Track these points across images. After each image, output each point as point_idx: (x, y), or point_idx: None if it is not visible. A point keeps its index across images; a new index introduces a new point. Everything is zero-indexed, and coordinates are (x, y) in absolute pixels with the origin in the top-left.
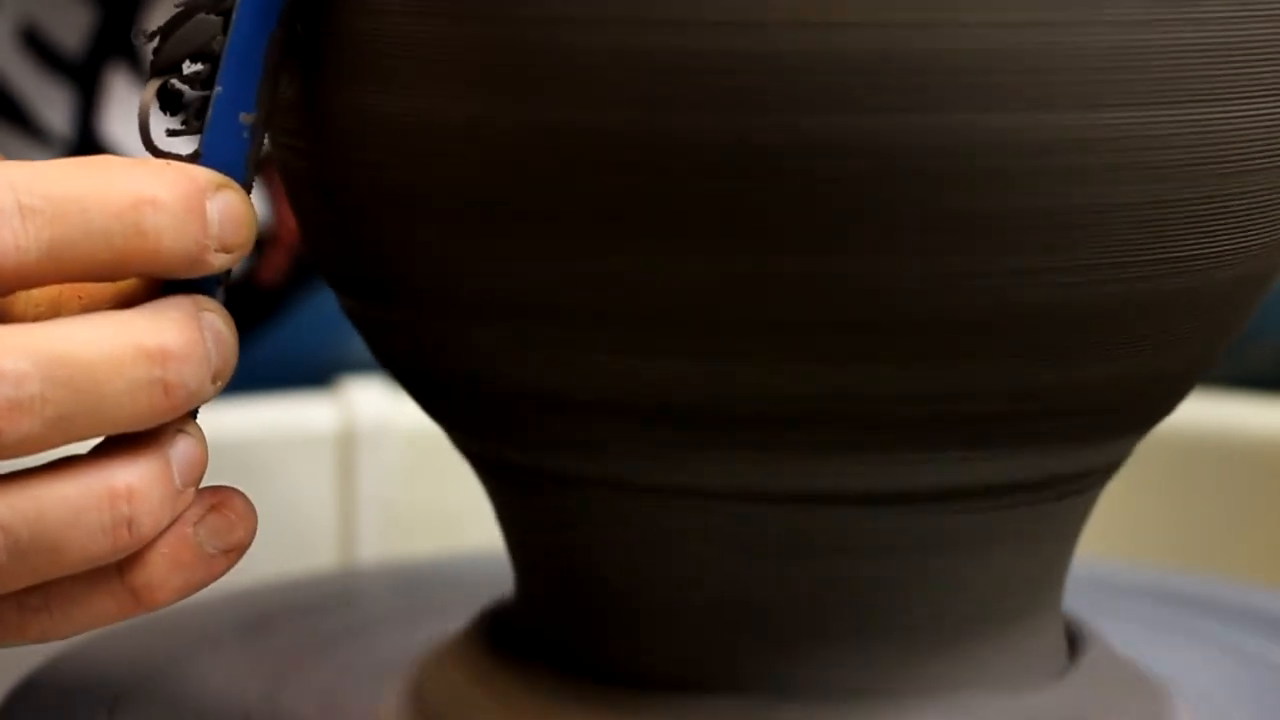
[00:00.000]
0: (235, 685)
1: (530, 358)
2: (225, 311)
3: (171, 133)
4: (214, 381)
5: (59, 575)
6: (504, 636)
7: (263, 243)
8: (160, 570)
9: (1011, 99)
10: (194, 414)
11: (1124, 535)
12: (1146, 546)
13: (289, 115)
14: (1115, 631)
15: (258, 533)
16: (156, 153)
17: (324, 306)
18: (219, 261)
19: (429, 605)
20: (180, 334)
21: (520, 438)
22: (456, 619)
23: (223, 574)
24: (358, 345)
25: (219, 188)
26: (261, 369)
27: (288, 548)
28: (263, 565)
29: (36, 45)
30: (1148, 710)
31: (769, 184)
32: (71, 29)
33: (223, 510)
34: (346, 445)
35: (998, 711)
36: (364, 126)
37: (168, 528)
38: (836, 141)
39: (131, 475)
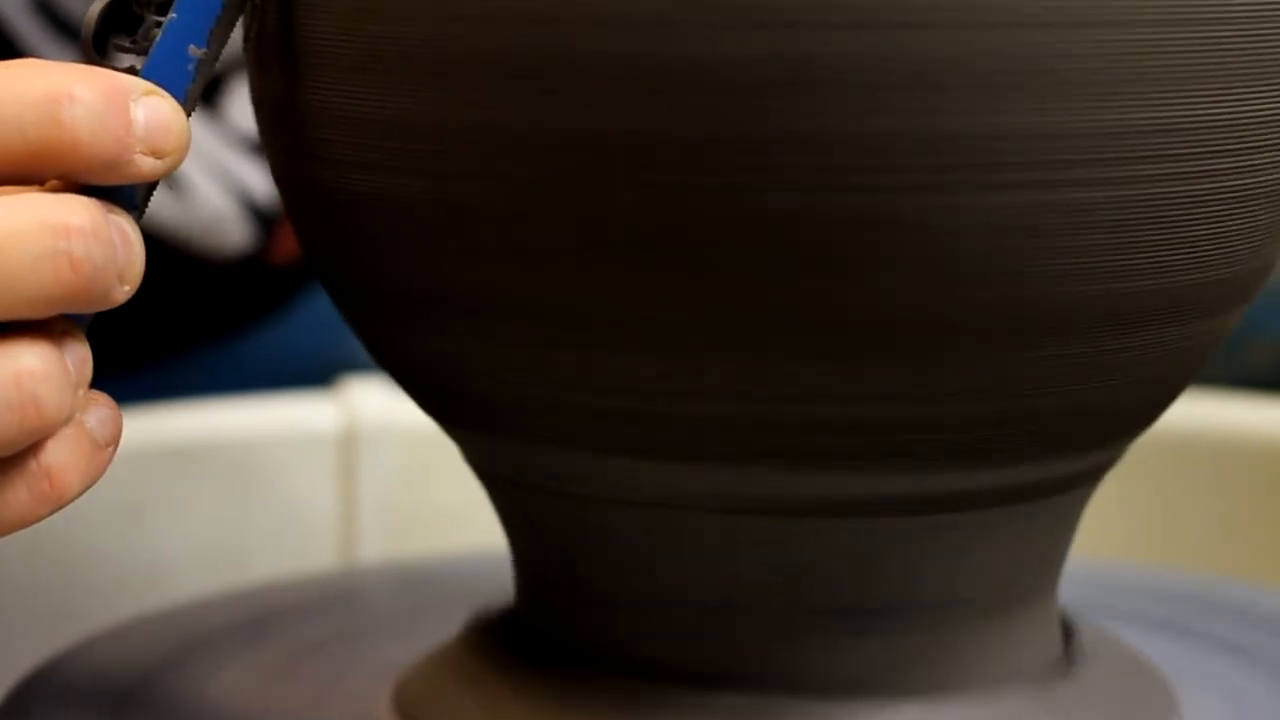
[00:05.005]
0: (235, 685)
1: (525, 364)
2: (134, 223)
3: (119, 48)
4: (121, 283)
5: None
6: (503, 636)
7: (273, 223)
8: (69, 452)
9: (1003, 99)
10: (84, 326)
11: (1123, 535)
12: (1146, 546)
13: (275, 119)
14: (1114, 631)
15: (258, 533)
16: (96, 64)
17: (324, 305)
18: (147, 166)
19: (429, 605)
20: (85, 214)
21: (518, 445)
22: (456, 619)
23: (105, 469)
24: (358, 344)
25: (146, 93)
26: (262, 368)
27: (288, 548)
28: (263, 565)
29: (48, 13)
30: (1146, 709)
31: (756, 188)
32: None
33: (103, 404)
34: (347, 445)
35: (995, 706)
36: (347, 130)
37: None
38: (831, 142)
39: (33, 358)
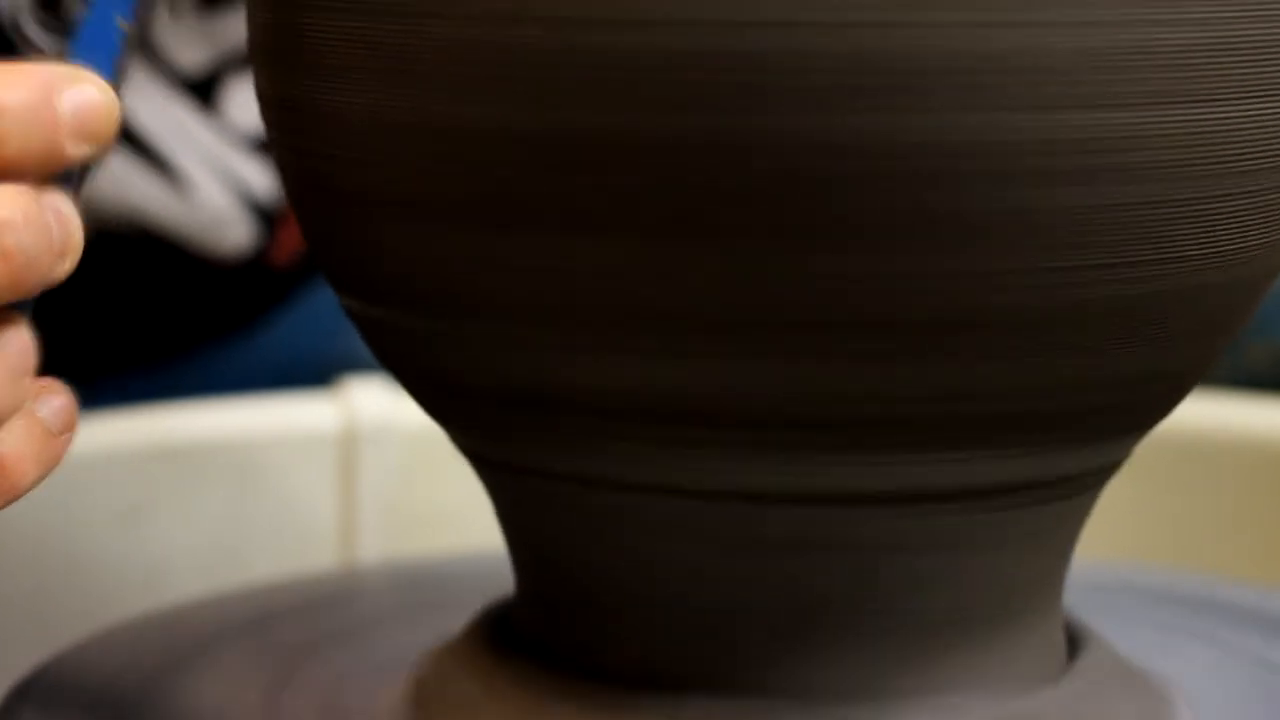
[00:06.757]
0: (235, 686)
1: (525, 357)
2: (70, 199)
3: (46, 27)
4: (61, 259)
5: None
6: (505, 636)
7: (274, 222)
8: (21, 440)
9: (1009, 99)
10: (26, 313)
11: (1124, 535)
12: (1146, 546)
13: (279, 113)
14: (1116, 632)
15: (258, 533)
16: (25, 41)
17: (324, 305)
18: (80, 152)
19: (429, 605)
20: (13, 205)
21: (517, 437)
22: (456, 619)
23: (62, 458)
24: (359, 344)
25: (72, 81)
26: (262, 368)
27: (288, 548)
28: (263, 566)
29: (50, 6)
30: (1148, 711)
31: (760, 185)
32: None
33: (56, 393)
34: (347, 445)
35: (997, 711)
36: (348, 125)
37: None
38: (834, 142)
39: None
